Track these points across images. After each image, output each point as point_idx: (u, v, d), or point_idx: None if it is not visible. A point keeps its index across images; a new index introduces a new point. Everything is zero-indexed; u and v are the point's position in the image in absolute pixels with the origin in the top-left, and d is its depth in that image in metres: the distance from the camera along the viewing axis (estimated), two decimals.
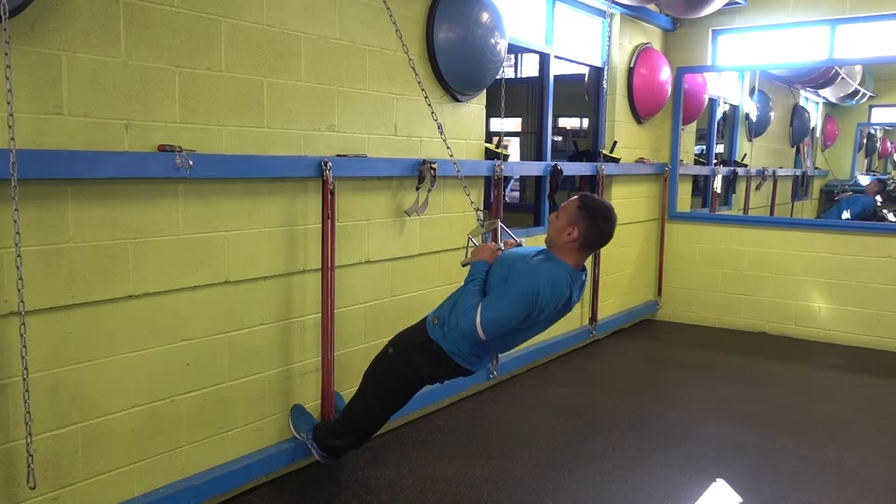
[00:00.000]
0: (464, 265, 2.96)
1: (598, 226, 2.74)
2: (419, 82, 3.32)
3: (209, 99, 2.84)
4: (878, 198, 8.20)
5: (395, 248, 3.79)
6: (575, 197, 2.81)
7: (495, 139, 4.52)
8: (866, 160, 9.30)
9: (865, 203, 8.24)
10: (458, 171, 3.38)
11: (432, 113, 3.34)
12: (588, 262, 5.55)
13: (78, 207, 2.47)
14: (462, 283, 2.88)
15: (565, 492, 3.31)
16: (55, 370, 2.48)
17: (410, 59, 3.30)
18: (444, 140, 3.36)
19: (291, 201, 3.21)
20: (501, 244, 2.99)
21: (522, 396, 4.58)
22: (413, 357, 2.93)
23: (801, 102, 8.95)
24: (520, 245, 3.05)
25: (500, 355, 4.52)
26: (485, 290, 2.78)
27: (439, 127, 3.33)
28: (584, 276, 2.81)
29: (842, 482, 3.47)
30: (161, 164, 2.61)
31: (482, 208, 3.79)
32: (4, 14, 2.05)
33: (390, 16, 3.21)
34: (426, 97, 3.35)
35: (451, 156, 3.41)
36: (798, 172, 9.12)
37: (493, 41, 3.95)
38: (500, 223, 3.15)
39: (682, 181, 6.70)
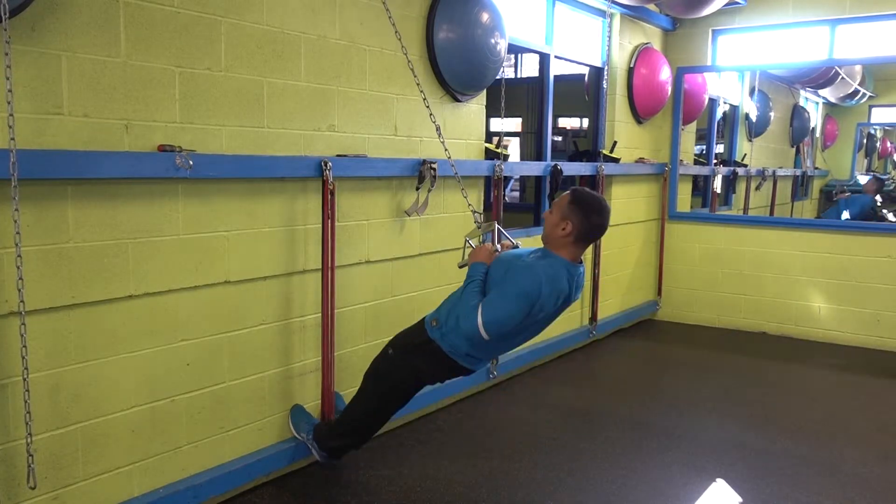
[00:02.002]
0: (461, 267, 2.98)
1: (590, 218, 2.75)
2: (418, 84, 3.32)
3: (209, 99, 2.84)
4: (878, 197, 8.20)
5: (395, 248, 3.79)
6: (567, 192, 2.82)
7: (495, 139, 4.52)
8: (866, 160, 9.31)
9: (864, 202, 8.24)
10: (456, 172, 3.40)
11: (430, 115, 3.34)
12: (588, 263, 5.65)
13: (78, 207, 2.48)
14: (461, 285, 2.88)
15: (565, 492, 3.31)
16: (55, 370, 2.48)
17: (409, 61, 3.30)
18: (443, 142, 3.37)
19: (291, 201, 3.22)
20: (498, 246, 3.01)
21: (522, 396, 4.58)
22: (412, 357, 2.96)
23: (801, 102, 8.95)
24: (517, 247, 3.08)
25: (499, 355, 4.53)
26: (484, 291, 2.79)
27: (437, 129, 3.34)
28: (581, 269, 2.83)
29: (842, 482, 3.47)
30: (161, 164, 2.62)
31: (480, 210, 3.80)
32: (4, 14, 2.05)
33: (389, 17, 3.21)
34: (424, 99, 3.35)
35: (449, 157, 3.43)
36: (798, 172, 9.12)
37: (492, 41, 3.95)
38: (496, 225, 3.19)
39: (681, 181, 6.70)
